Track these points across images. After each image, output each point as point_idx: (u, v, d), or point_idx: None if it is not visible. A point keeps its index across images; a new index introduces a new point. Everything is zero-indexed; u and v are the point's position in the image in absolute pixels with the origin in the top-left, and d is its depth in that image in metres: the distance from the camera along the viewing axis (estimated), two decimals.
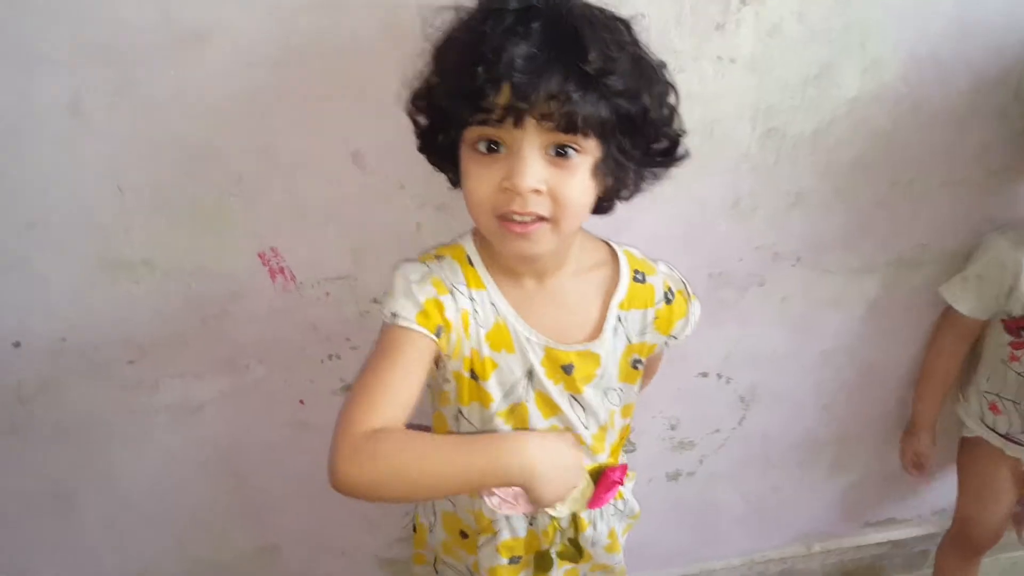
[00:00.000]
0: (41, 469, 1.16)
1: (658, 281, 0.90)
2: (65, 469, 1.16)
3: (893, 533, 1.62)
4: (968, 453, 1.36)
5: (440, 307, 0.79)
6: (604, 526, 0.98)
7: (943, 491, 1.55)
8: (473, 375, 0.84)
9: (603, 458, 0.94)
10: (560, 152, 0.70)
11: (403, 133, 0.88)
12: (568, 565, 1.00)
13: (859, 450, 1.44)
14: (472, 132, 0.70)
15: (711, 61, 0.91)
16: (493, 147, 0.70)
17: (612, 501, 0.97)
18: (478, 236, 0.86)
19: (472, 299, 0.82)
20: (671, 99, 0.77)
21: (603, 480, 0.92)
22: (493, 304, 0.83)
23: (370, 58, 0.84)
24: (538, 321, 0.83)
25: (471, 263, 0.84)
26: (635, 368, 0.91)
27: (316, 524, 1.35)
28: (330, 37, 0.82)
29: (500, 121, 0.67)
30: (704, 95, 0.94)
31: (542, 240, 0.74)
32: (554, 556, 0.97)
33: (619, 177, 0.76)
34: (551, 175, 0.70)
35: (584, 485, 0.91)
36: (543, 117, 0.66)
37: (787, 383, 1.30)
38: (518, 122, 0.66)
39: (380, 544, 1.40)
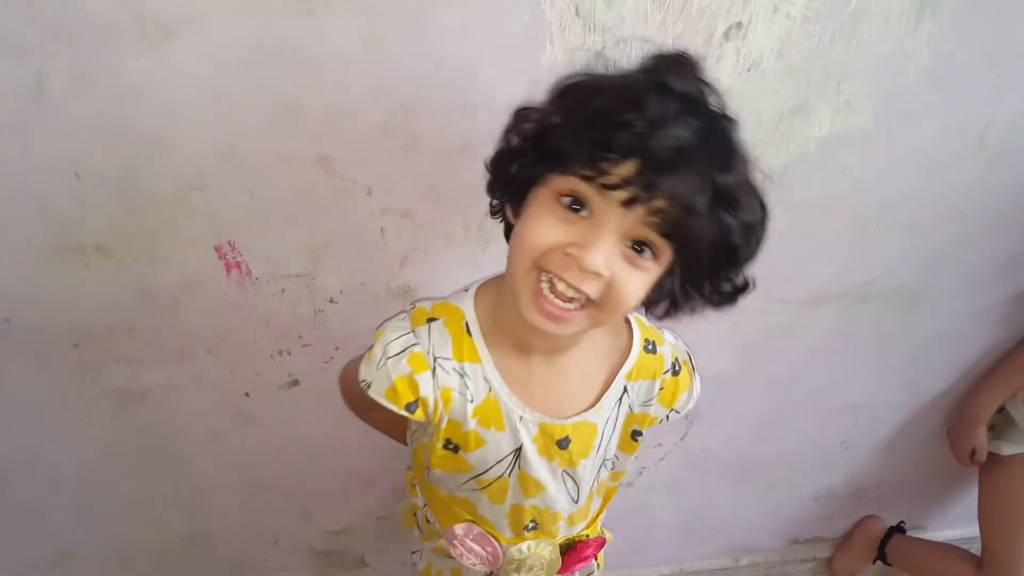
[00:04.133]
0: None
1: (667, 351, 0.84)
2: None
3: (820, 551, 1.68)
4: (1007, 474, 1.37)
5: (414, 387, 0.73)
6: None
7: (867, 512, 1.62)
8: (451, 446, 0.79)
9: (581, 527, 0.90)
10: (637, 248, 0.62)
11: (375, 141, 0.87)
12: None
13: (793, 470, 1.49)
14: (566, 182, 0.62)
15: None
16: (576, 207, 0.62)
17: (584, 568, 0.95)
18: (483, 300, 0.78)
19: (463, 373, 0.75)
20: (760, 233, 0.69)
21: (573, 553, 0.90)
22: (487, 379, 0.76)
23: (347, 65, 0.81)
24: (535, 397, 0.77)
25: (468, 332, 0.76)
26: (634, 440, 0.86)
27: (251, 513, 1.33)
28: (306, 43, 0.79)
29: (610, 188, 0.59)
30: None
31: (574, 326, 0.67)
32: None
33: (671, 304, 0.70)
34: (618, 265, 0.63)
35: (552, 560, 0.89)
36: (651, 212, 0.59)
37: (731, 404, 1.33)
38: (628, 203, 0.59)
39: (313, 535, 1.40)
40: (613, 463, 0.87)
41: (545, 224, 0.63)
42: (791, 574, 1.71)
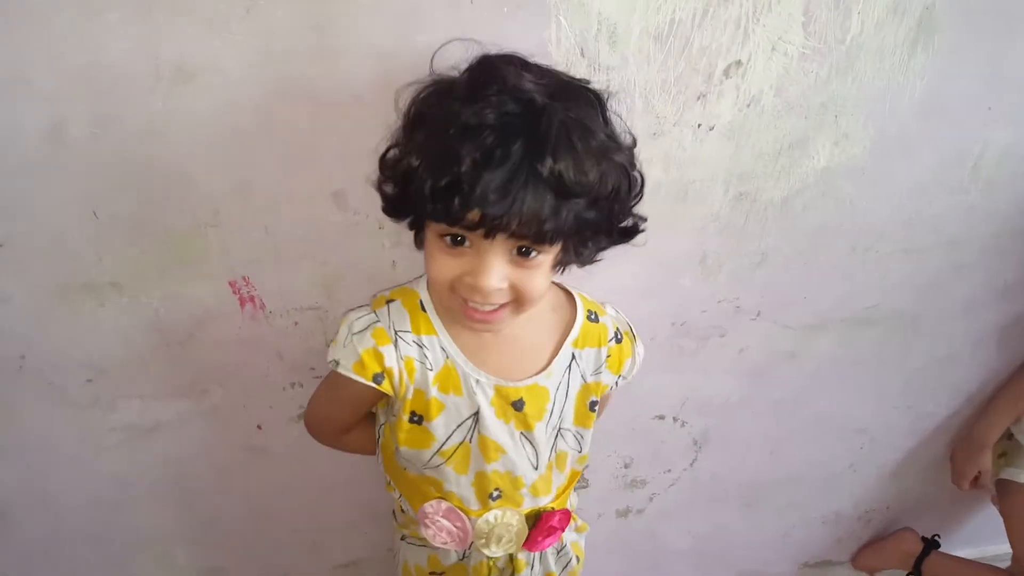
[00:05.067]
0: None
1: (608, 322, 0.92)
2: (6, 486, 1.13)
3: (829, 574, 1.68)
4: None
5: (379, 357, 0.81)
6: (542, 568, 1.00)
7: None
8: (416, 418, 0.86)
9: (546, 500, 0.95)
10: (524, 252, 0.70)
11: None
12: None
13: (802, 494, 1.49)
14: (438, 227, 0.70)
15: (691, 128, 0.94)
16: (459, 241, 0.70)
17: (553, 545, 0.99)
18: None
19: (421, 344, 0.84)
20: (637, 183, 0.76)
21: (540, 524, 0.95)
22: (443, 348, 0.84)
23: (359, 103, 0.84)
24: (490, 362, 0.85)
25: (423, 308, 0.85)
26: (591, 410, 0.92)
27: (262, 547, 1.33)
28: (319, 83, 0.82)
29: (471, 229, 0.67)
30: (681, 159, 0.96)
31: (503, 322, 0.77)
32: None
33: (579, 258, 0.79)
34: (513, 273, 0.71)
35: (519, 529, 0.93)
36: (513, 234, 0.67)
37: (739, 428, 1.34)
38: (488, 236, 0.67)
39: (324, 568, 1.40)
40: (577, 440, 0.94)
41: (439, 262, 0.73)
42: None
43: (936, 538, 1.60)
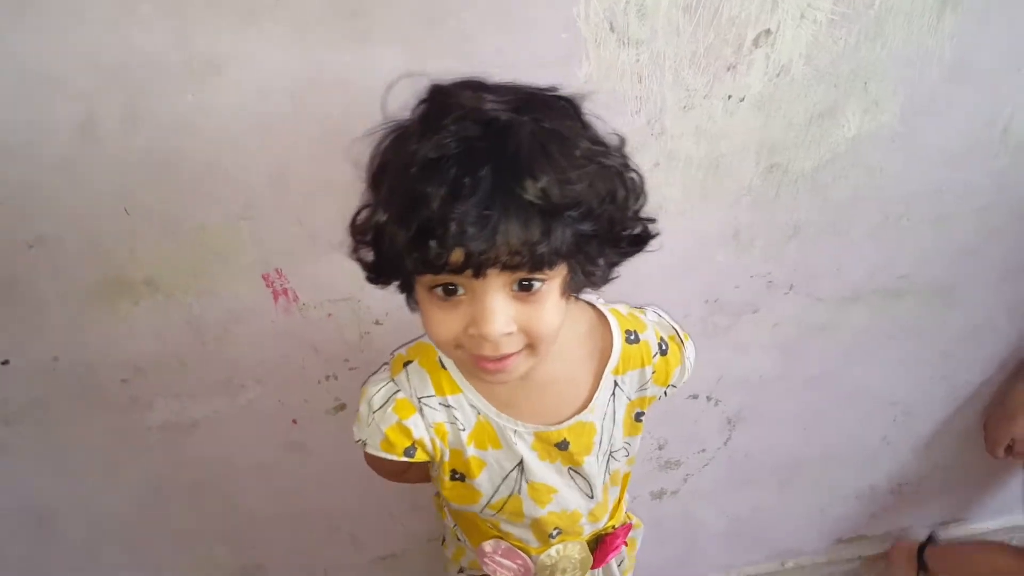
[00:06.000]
0: (20, 489, 1.12)
1: (650, 335, 0.85)
2: (46, 490, 1.13)
3: (864, 549, 1.67)
4: None
5: (406, 432, 0.77)
6: (605, 573, 0.99)
7: (910, 509, 1.62)
8: (458, 476, 0.82)
9: (605, 521, 0.93)
10: (525, 285, 0.63)
11: None
12: None
13: (836, 469, 1.48)
14: (426, 279, 0.63)
15: (721, 99, 0.93)
16: (451, 289, 0.63)
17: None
18: None
19: (448, 406, 0.78)
20: (636, 185, 0.69)
21: (603, 547, 0.93)
22: (472, 405, 0.79)
23: (391, 91, 0.83)
24: (525, 409, 0.79)
25: (443, 366, 0.79)
26: (638, 421, 0.88)
27: (300, 543, 1.33)
28: (352, 71, 0.81)
29: (458, 272, 0.59)
30: (711, 131, 0.95)
31: (519, 367, 0.68)
32: None
33: (590, 279, 0.70)
34: (519, 312, 0.64)
35: (583, 558, 0.92)
36: (505, 267, 0.59)
37: (773, 406, 1.33)
38: (478, 275, 0.59)
39: (364, 563, 1.40)
40: (626, 450, 0.88)
41: (437, 321, 0.65)
42: (838, 573, 1.69)
43: (932, 534, 1.60)
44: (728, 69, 0.91)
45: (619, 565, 1.03)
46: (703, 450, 1.37)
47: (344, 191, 0.90)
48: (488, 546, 0.90)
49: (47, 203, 0.85)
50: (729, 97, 0.93)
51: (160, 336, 1.00)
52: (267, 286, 0.98)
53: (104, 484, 1.15)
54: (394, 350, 0.84)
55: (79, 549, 1.23)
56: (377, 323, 1.04)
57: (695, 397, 1.28)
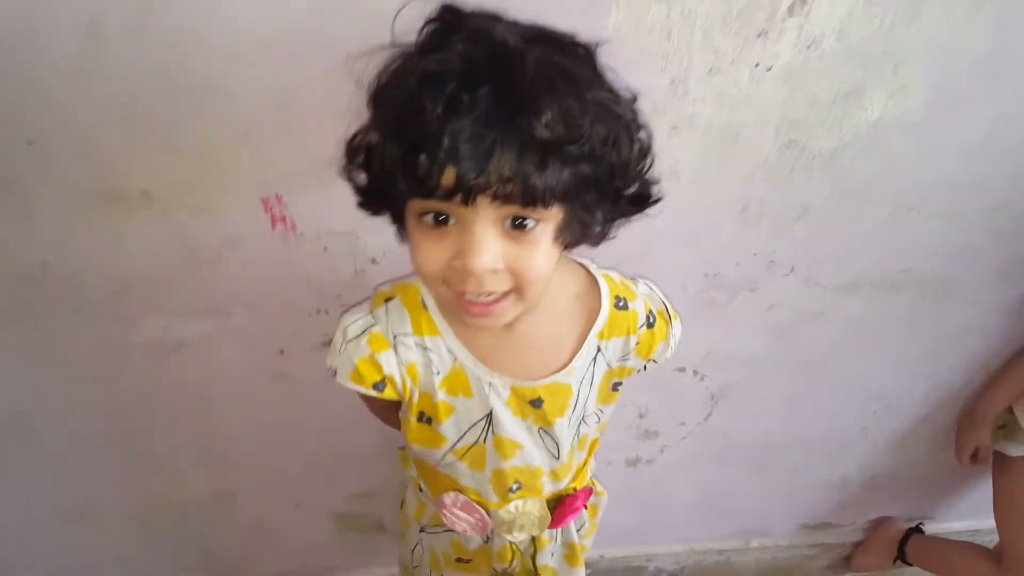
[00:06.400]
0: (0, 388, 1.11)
1: (639, 305, 0.84)
2: (25, 392, 1.12)
3: (826, 537, 1.69)
4: (1020, 474, 1.37)
5: (377, 366, 0.76)
6: (564, 538, 1.00)
7: (879, 502, 1.64)
8: (425, 418, 0.81)
9: (567, 482, 0.93)
10: (518, 224, 0.61)
11: None
12: None
13: (811, 456, 1.49)
14: (415, 205, 0.62)
15: (748, 67, 0.91)
16: (441, 219, 0.61)
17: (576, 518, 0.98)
18: None
19: (424, 347, 0.77)
20: (644, 143, 0.67)
21: (563, 507, 0.93)
22: (450, 350, 0.77)
23: (406, 18, 0.80)
24: (503, 363, 0.78)
25: (425, 307, 0.77)
26: (615, 390, 0.88)
27: (274, 475, 1.33)
28: None
29: (448, 198, 0.57)
30: (735, 99, 0.93)
31: (506, 313, 0.67)
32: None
33: (585, 232, 0.69)
34: (508, 250, 0.62)
35: (541, 515, 0.92)
36: (497, 196, 0.57)
37: (757, 386, 1.33)
38: (467, 201, 0.57)
39: (336, 499, 1.40)
40: (597, 417, 0.88)
41: (424, 250, 0.63)
42: (798, 558, 1.72)
43: (920, 525, 1.62)
44: (759, 36, 0.89)
45: (579, 530, 1.02)
46: (683, 423, 1.38)
47: (351, 119, 0.88)
48: (448, 498, 0.90)
49: (48, 104, 0.83)
50: (756, 65, 0.91)
51: (152, 251, 0.98)
52: (266, 211, 0.96)
53: (83, 396, 1.13)
54: (378, 285, 0.83)
55: (55, 460, 1.22)
56: (373, 262, 1.03)
57: (682, 370, 1.28)
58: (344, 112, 0.86)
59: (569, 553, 1.01)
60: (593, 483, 1.01)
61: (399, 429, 0.92)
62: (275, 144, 0.89)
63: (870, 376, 1.37)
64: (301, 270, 1.02)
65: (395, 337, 0.76)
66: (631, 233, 0.91)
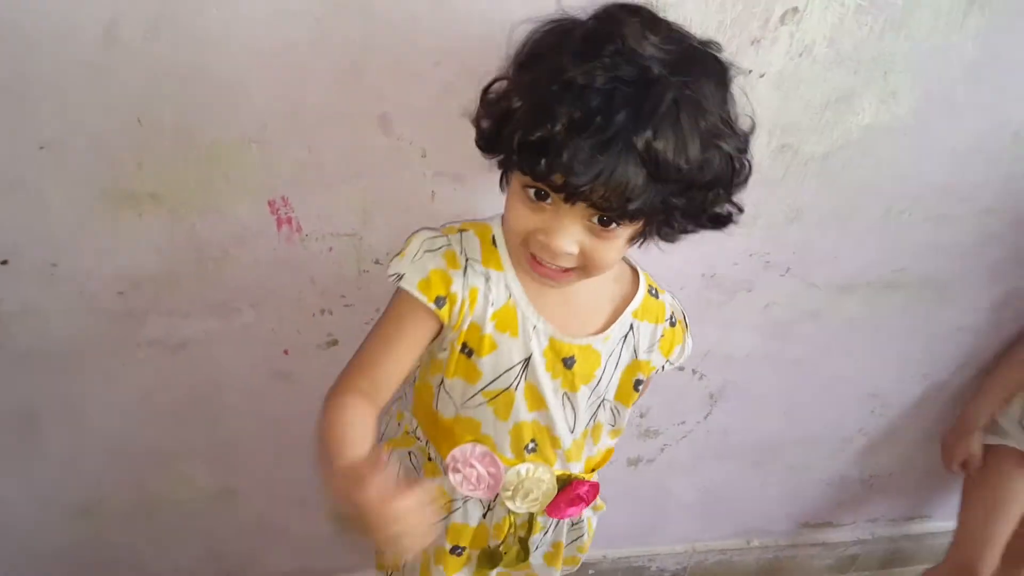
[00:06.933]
0: (8, 386, 1.13)
1: (667, 300, 0.93)
2: (33, 391, 1.14)
3: (828, 536, 1.71)
4: (987, 463, 1.40)
5: (446, 280, 0.80)
6: (554, 536, 1.01)
7: (884, 501, 1.65)
8: (467, 350, 0.84)
9: (576, 468, 0.94)
10: (604, 222, 0.69)
11: (434, 103, 0.89)
12: (504, 569, 1.02)
13: (810, 455, 1.51)
14: (524, 179, 0.70)
15: (742, 73, 0.93)
16: (543, 195, 0.69)
17: (570, 518, 0.98)
18: None
19: (487, 277, 0.82)
20: (741, 176, 0.74)
21: (568, 490, 0.93)
22: (507, 286, 0.83)
23: (414, 24, 0.83)
24: (550, 311, 0.84)
25: (495, 244, 0.84)
26: (635, 389, 0.92)
27: (278, 473, 1.35)
28: (376, 1, 0.81)
29: (554, 190, 0.66)
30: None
31: (568, 282, 0.78)
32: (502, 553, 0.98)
33: (660, 236, 0.78)
34: (587, 240, 0.71)
35: (548, 488, 0.92)
36: (593, 204, 0.66)
37: (755, 385, 1.35)
38: (568, 201, 0.66)
39: None
40: (613, 415, 0.93)
41: (517, 212, 0.73)
42: (799, 557, 1.74)
43: None
44: (752, 43, 0.91)
45: (573, 542, 1.04)
46: (683, 422, 1.40)
47: (357, 124, 0.91)
48: (459, 451, 0.89)
49: (62, 105, 0.85)
50: (750, 71, 0.93)
51: (160, 252, 1.00)
52: (272, 213, 0.98)
53: (91, 393, 1.15)
54: (448, 223, 0.88)
55: (63, 454, 1.24)
56: (377, 262, 1.05)
57: (681, 369, 1.29)
58: (349, 117, 0.90)
59: (552, 552, 1.02)
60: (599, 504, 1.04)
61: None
62: (282, 146, 0.91)
63: (867, 376, 1.40)
64: (306, 271, 1.05)
65: (467, 260, 0.82)
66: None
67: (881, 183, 1.09)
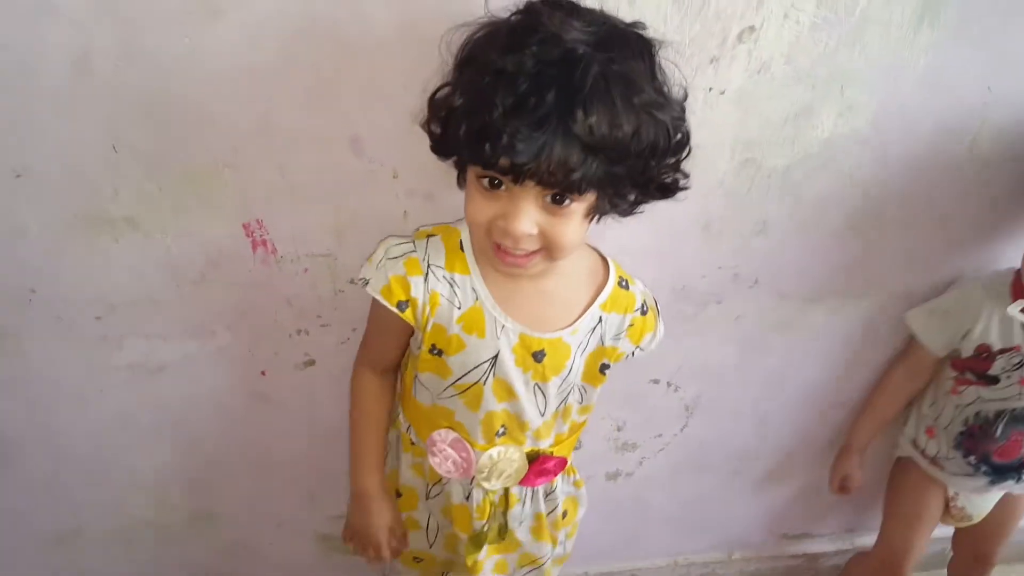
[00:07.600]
0: None
1: (638, 291, 0.97)
2: (12, 419, 1.14)
3: (808, 547, 1.72)
4: (900, 474, 1.44)
5: (405, 286, 0.86)
6: (532, 508, 1.05)
7: (858, 511, 1.67)
8: (436, 350, 0.90)
9: (546, 444, 1.00)
10: (557, 200, 0.74)
11: (404, 124, 0.91)
12: (497, 555, 1.07)
13: (788, 465, 1.53)
14: (477, 169, 0.74)
15: (702, 91, 0.96)
16: (496, 184, 0.74)
17: (545, 486, 1.04)
18: None
19: (452, 282, 0.88)
20: (681, 141, 0.79)
21: (536, 463, 0.99)
22: (474, 289, 0.88)
23: (382, 49, 0.85)
24: (518, 310, 0.88)
25: (462, 248, 0.89)
26: (602, 373, 0.97)
27: (257, 494, 1.35)
28: (345, 24, 0.83)
29: (502, 174, 0.71)
30: (690, 122, 0.98)
31: (534, 266, 0.81)
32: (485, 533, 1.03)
33: (615, 208, 0.81)
34: (545, 220, 0.75)
35: (519, 466, 0.98)
36: (541, 181, 0.70)
37: (730, 396, 1.37)
38: (517, 181, 0.70)
39: (318, 519, 1.42)
40: (581, 394, 0.98)
41: (475, 204, 0.77)
42: (781, 569, 1.74)
43: None
44: (711, 62, 0.94)
45: (550, 512, 1.07)
46: (660, 435, 1.41)
47: (329, 147, 0.93)
48: (437, 435, 0.97)
49: (35, 133, 0.87)
50: (710, 89, 0.96)
51: (137, 276, 1.01)
52: (247, 235, 1.00)
53: (69, 418, 1.16)
54: (420, 227, 0.94)
55: (39, 481, 1.24)
56: (352, 282, 1.07)
57: (656, 382, 1.32)
58: (320, 138, 0.92)
59: (536, 525, 1.06)
60: (573, 470, 1.09)
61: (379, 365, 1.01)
62: (255, 170, 0.93)
63: (837, 386, 1.41)
64: (282, 292, 1.06)
65: (429, 266, 0.87)
66: (600, 248, 0.96)
67: (842, 194, 1.11)
